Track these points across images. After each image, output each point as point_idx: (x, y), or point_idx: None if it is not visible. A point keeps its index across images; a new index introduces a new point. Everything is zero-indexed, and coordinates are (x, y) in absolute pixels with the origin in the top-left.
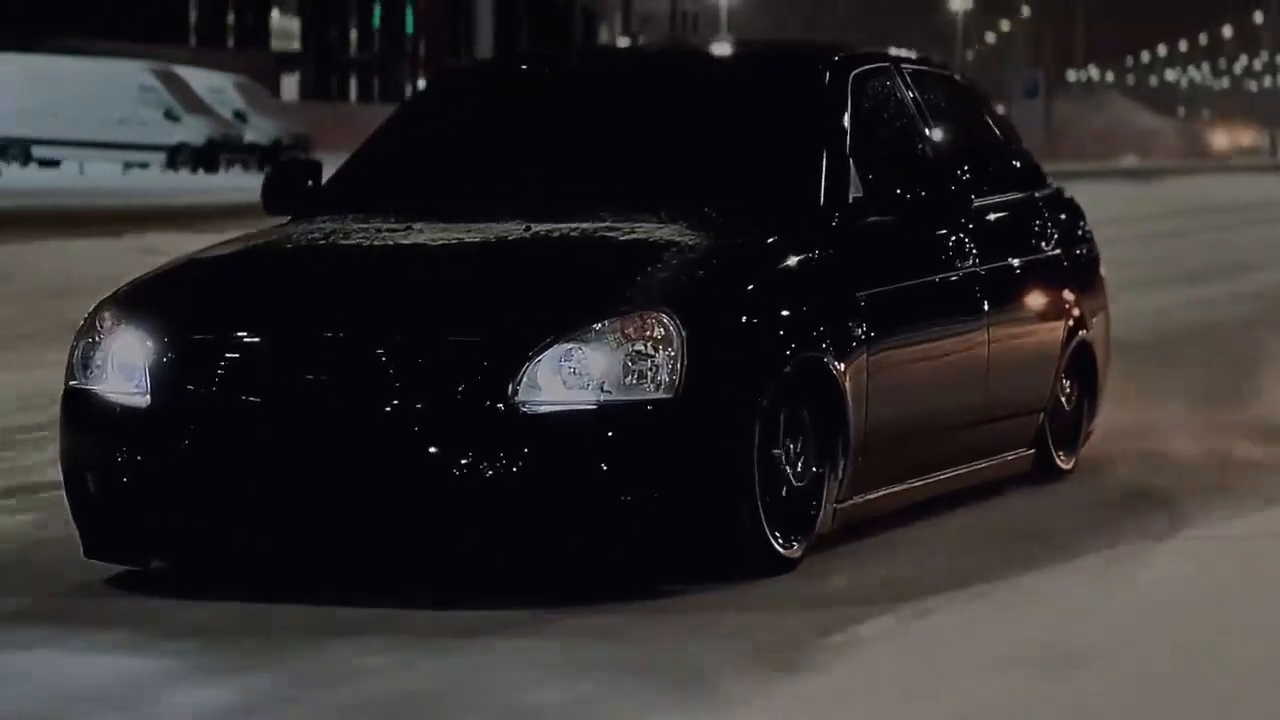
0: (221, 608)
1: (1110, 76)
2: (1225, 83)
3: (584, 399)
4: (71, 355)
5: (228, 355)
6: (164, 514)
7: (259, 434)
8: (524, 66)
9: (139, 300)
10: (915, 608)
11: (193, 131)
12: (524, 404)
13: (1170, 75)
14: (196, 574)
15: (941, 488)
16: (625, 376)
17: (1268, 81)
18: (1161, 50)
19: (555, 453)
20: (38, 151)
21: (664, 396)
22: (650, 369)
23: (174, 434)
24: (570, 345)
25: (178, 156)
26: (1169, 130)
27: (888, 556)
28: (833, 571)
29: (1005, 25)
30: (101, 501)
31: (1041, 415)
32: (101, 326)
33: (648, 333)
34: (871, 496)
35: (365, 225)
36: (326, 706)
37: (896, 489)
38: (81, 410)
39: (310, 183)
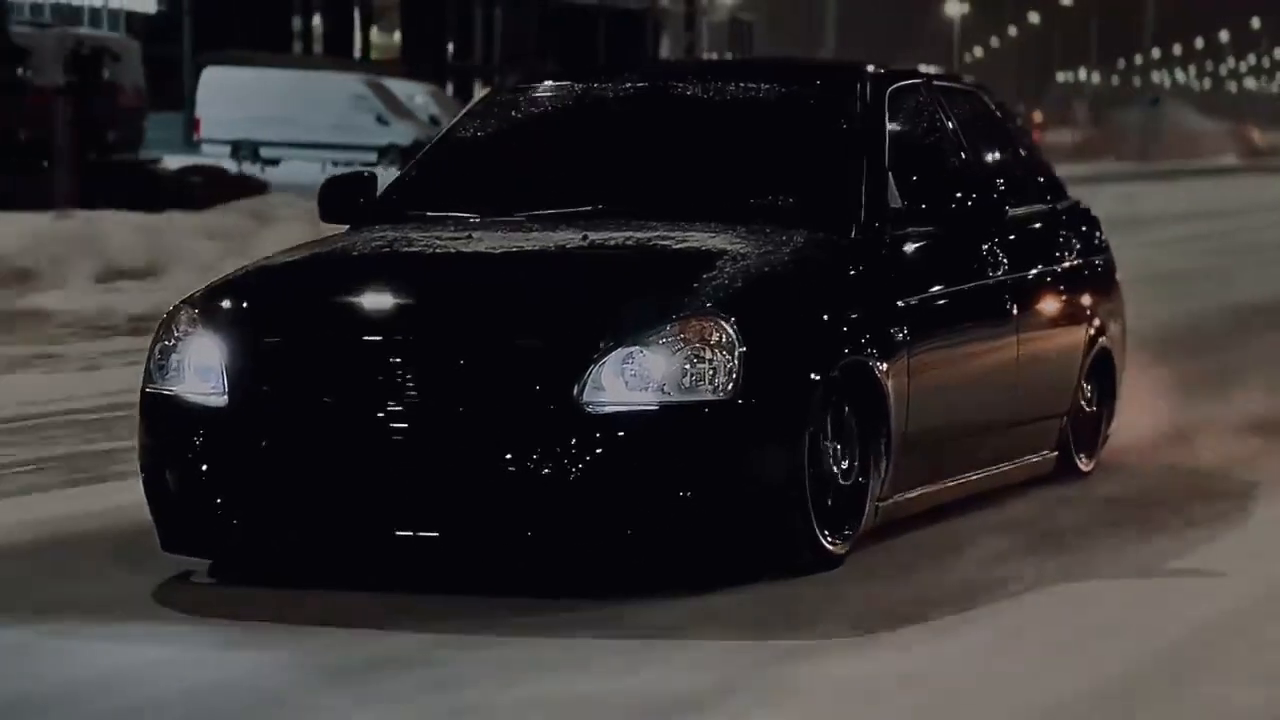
0: (293, 598)
1: (1096, 78)
2: (1207, 84)
3: (645, 400)
4: (149, 358)
5: (301, 358)
6: (241, 510)
7: (332, 435)
8: (575, 80)
9: (213, 305)
10: (954, 618)
11: (400, 134)
12: (588, 405)
13: (1155, 77)
14: (270, 567)
15: (973, 488)
16: (684, 379)
17: (1249, 83)
18: (1156, 53)
19: (618, 451)
20: (264, 152)
21: (721, 398)
22: (708, 372)
23: (251, 434)
24: (632, 349)
25: (386, 156)
26: (1218, 131)
27: (921, 555)
28: (874, 570)
29: (1012, 30)
30: (179, 498)
31: (1064, 419)
32: (178, 330)
33: (706, 337)
34: (910, 495)
35: (425, 233)
36: (394, 691)
37: (932, 489)
38: (160, 411)
39: (366, 192)
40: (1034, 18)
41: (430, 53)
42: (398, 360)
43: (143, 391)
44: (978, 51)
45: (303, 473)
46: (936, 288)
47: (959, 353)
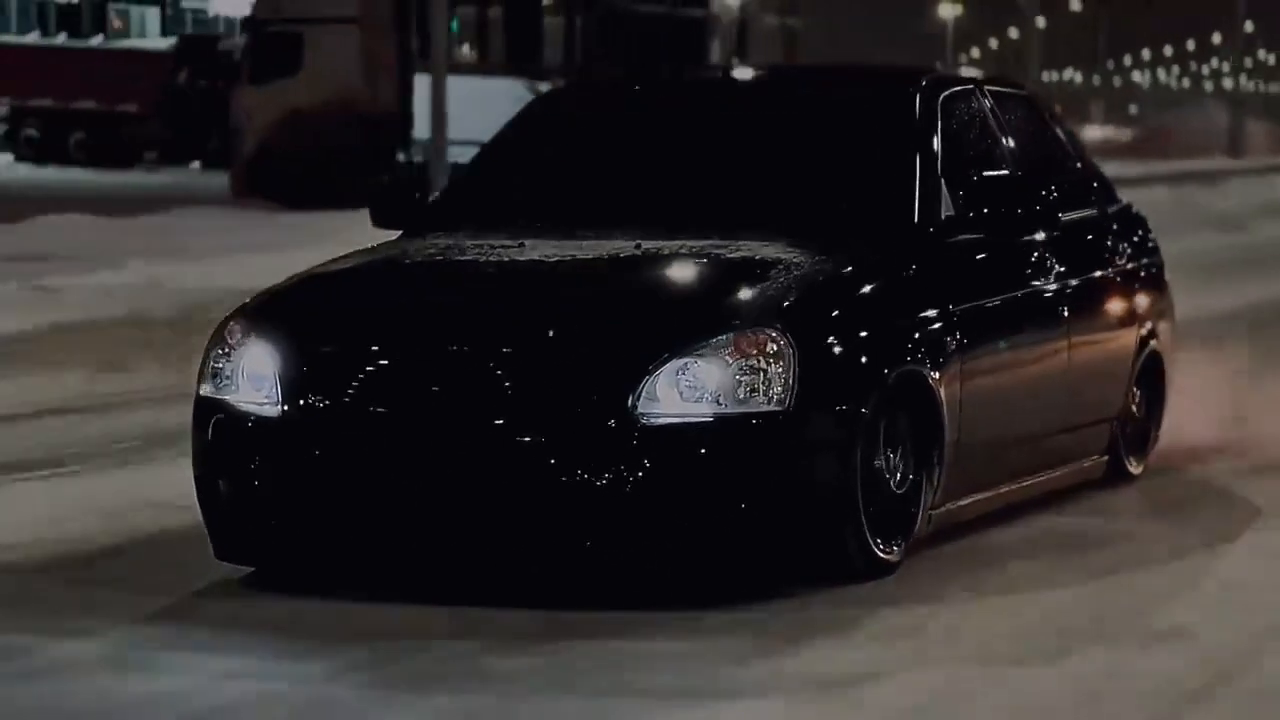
0: (341, 610)
1: (1079, 77)
2: (1186, 83)
3: (700, 411)
4: (203, 365)
5: (355, 367)
6: (293, 520)
7: (386, 444)
8: (627, 86)
9: (267, 314)
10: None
11: None
12: (643, 416)
13: (1136, 77)
14: (320, 576)
15: (1024, 494)
16: (739, 390)
17: (1228, 84)
18: (1146, 54)
19: (673, 462)
20: None
21: (776, 409)
22: (763, 383)
23: (305, 443)
24: (687, 360)
25: None
26: (1259, 131)
27: (974, 562)
28: (926, 576)
29: (1014, 33)
30: (231, 506)
31: (1114, 422)
32: (231, 338)
33: (761, 348)
34: (963, 503)
35: (479, 242)
36: (443, 702)
37: (985, 495)
38: (213, 419)
39: (419, 198)
40: (1041, 22)
41: (515, 56)
42: (451, 371)
43: (196, 398)
44: (974, 52)
45: (355, 484)
46: (988, 294)
47: (1011, 359)
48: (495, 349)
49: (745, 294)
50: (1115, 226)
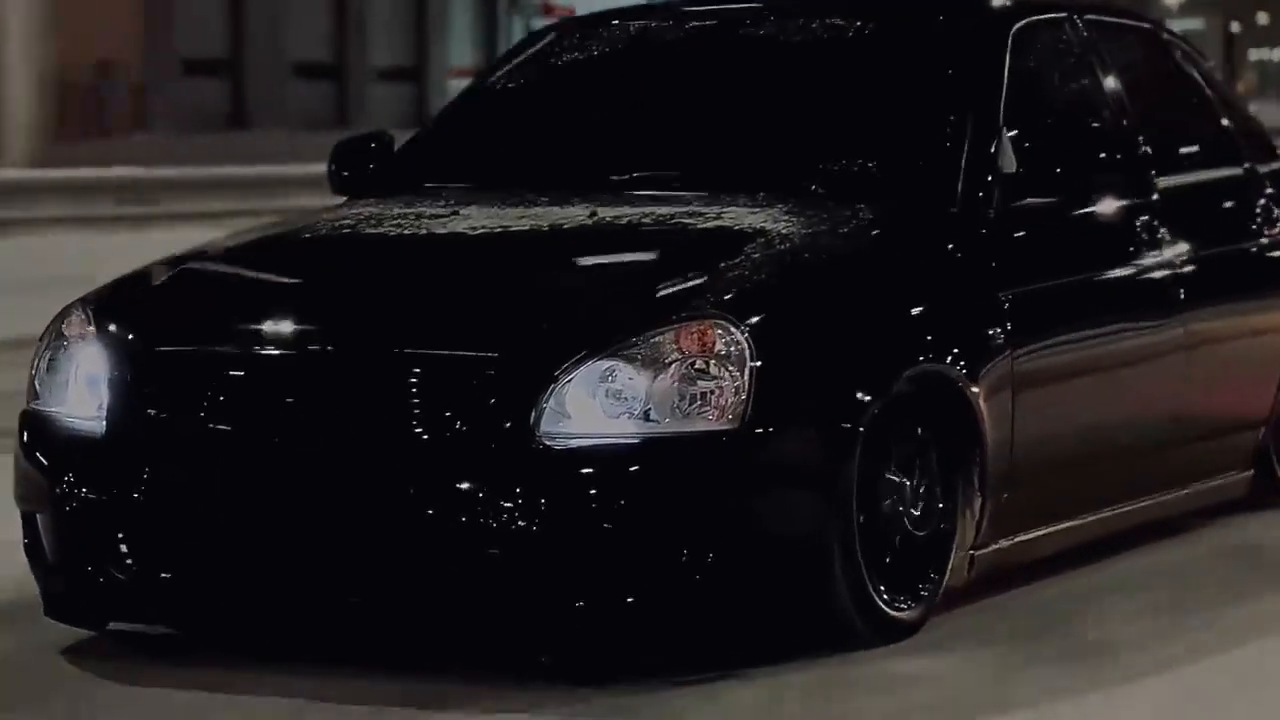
0: (191, 681)
1: None
2: None
3: (626, 430)
4: (33, 369)
5: (196, 372)
6: (121, 566)
7: (229, 470)
8: (615, 22)
9: (113, 303)
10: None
11: None
12: (549, 436)
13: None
14: (159, 640)
15: (1122, 523)
16: (679, 401)
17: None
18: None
19: (588, 498)
20: None
21: (728, 426)
22: (712, 392)
23: (132, 468)
24: (610, 362)
25: None
26: None
27: (1019, 619)
28: (951, 641)
29: None
30: (54, 550)
31: (1262, 431)
32: (67, 335)
33: (708, 346)
34: (1023, 539)
35: (409, 210)
36: None
37: (1058, 528)
38: (38, 437)
39: (380, 157)
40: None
41: None
42: (310, 379)
43: (22, 412)
44: None
45: (193, 521)
46: (1060, 273)
47: (1092, 357)
48: (369, 350)
49: (699, 276)
50: (1264, 189)
